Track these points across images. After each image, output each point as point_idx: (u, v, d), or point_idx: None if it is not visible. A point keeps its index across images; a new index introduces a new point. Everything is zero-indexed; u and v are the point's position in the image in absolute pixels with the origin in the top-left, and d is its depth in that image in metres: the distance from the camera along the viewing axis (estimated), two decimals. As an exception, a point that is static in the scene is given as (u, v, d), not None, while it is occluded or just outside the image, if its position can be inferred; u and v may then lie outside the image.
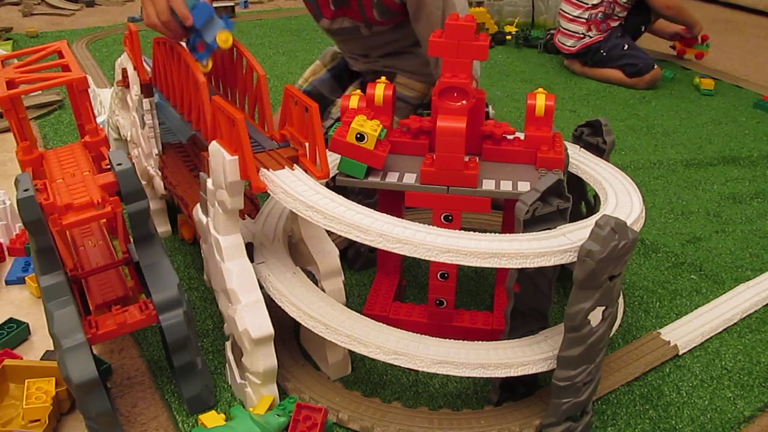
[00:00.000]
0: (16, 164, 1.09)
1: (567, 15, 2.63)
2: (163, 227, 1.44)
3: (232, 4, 3.49)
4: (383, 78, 1.09)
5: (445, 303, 1.10)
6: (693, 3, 3.87)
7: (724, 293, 1.33)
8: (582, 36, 2.59)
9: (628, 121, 2.21)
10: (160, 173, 1.29)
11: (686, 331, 1.21)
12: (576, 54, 2.63)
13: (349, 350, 0.98)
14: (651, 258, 1.45)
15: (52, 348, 1.09)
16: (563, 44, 2.66)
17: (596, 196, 1.13)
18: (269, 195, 0.94)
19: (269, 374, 0.97)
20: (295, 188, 0.90)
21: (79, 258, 1.10)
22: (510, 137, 1.05)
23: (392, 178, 1.01)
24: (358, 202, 0.90)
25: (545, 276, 0.95)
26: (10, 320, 1.17)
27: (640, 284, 1.36)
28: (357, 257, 1.35)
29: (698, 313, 1.27)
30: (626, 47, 2.53)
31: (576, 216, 1.15)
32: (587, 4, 2.55)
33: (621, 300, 1.22)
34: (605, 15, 2.55)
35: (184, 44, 1.11)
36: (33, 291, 1.27)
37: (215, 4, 3.34)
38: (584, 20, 2.58)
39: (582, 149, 1.15)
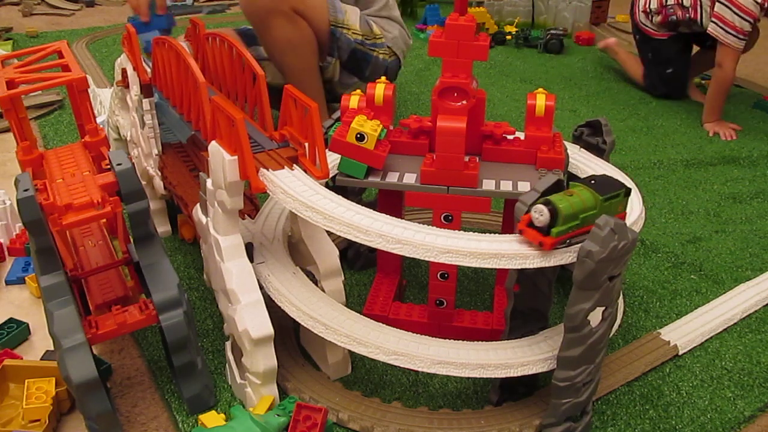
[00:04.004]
0: (16, 164, 1.09)
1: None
2: (163, 227, 1.44)
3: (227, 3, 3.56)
4: (383, 78, 1.09)
5: (445, 303, 1.10)
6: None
7: (724, 293, 1.33)
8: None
9: (628, 121, 2.21)
10: (160, 173, 1.29)
11: (686, 331, 1.21)
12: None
13: (349, 350, 0.98)
14: (651, 258, 1.45)
15: (52, 348, 1.09)
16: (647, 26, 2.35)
17: (596, 196, 1.13)
18: (269, 195, 0.94)
19: (269, 374, 0.97)
20: (294, 188, 0.90)
21: (79, 258, 1.10)
22: (510, 137, 1.05)
23: (392, 178, 1.01)
24: (358, 202, 0.90)
25: (545, 276, 0.95)
26: (10, 320, 1.17)
27: (640, 284, 1.36)
28: (357, 257, 1.35)
29: (698, 313, 1.26)
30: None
31: (576, 216, 1.15)
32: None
33: (621, 300, 1.22)
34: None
35: (185, 44, 1.11)
36: (33, 291, 1.27)
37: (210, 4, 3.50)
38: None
39: (582, 149, 1.15)
